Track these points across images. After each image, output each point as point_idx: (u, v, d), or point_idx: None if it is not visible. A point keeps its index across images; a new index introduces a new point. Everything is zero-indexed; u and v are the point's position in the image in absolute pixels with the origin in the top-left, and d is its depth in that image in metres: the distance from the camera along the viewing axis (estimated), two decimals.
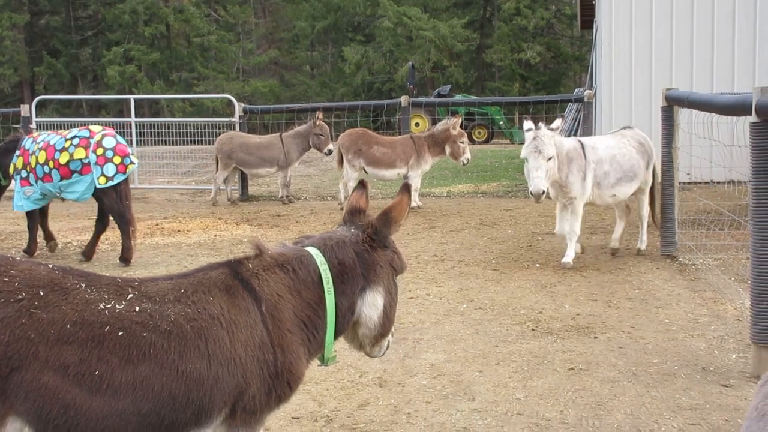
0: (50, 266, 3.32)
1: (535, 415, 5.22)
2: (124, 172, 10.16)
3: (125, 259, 10.21)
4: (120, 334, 3.14)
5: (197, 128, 19.39)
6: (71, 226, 13.23)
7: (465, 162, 14.29)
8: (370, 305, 3.72)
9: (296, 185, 17.60)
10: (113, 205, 10.19)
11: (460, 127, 14.36)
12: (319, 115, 15.57)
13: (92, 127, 10.35)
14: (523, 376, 5.97)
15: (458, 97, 31.07)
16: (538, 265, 9.74)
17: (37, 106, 18.61)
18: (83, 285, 3.25)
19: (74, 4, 49.79)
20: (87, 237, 11.95)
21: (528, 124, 9.11)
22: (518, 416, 5.23)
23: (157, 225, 13.08)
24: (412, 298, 8.30)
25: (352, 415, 5.33)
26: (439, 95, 31.72)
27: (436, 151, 14.30)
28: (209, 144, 18.44)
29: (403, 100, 16.96)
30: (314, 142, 15.38)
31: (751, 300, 6.03)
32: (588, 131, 16.83)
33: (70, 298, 3.18)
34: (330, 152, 15.27)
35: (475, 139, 30.26)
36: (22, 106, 18.25)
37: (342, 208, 14.40)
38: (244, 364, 3.35)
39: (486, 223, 12.67)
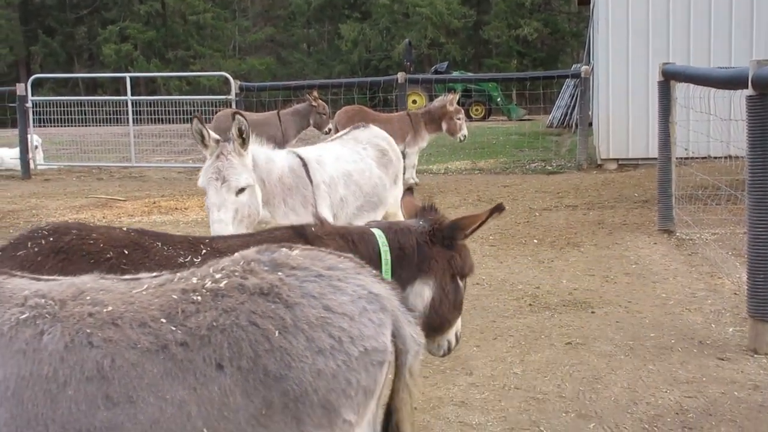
0: (125, 228, 3.59)
1: (533, 389, 5.24)
2: None
3: None
4: None
5: (194, 106, 19.34)
6: (68, 204, 13.22)
7: (462, 138, 14.28)
8: (416, 295, 3.77)
9: None
10: None
11: (457, 103, 14.32)
12: (315, 93, 15.52)
13: None
14: (521, 350, 5.99)
15: (455, 74, 30.98)
16: (535, 240, 9.75)
17: (33, 85, 18.55)
18: (159, 243, 3.47)
19: None
20: (83, 216, 11.97)
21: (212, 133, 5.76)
22: (516, 390, 5.25)
23: (154, 203, 13.07)
24: None
25: None
26: (436, 72, 31.64)
27: (432, 127, 14.28)
28: (206, 122, 18.34)
29: (400, 77, 16.91)
30: (316, 120, 15.30)
31: (747, 274, 6.04)
32: (585, 107, 16.81)
33: (151, 255, 3.39)
34: (330, 131, 15.23)
35: (473, 115, 30.24)
36: (17, 85, 18.20)
37: None
38: None
39: (483, 199, 12.67)
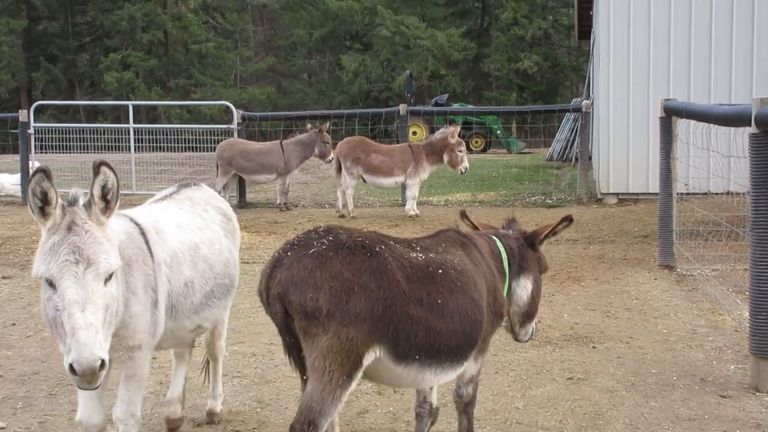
0: (363, 229, 4.22)
1: (534, 425, 5.22)
2: None
3: None
4: (440, 272, 4.08)
5: (195, 135, 19.37)
6: None
7: (463, 171, 14.28)
8: (522, 287, 4.71)
9: (294, 193, 17.59)
10: None
11: (458, 135, 14.35)
12: (309, 125, 15.70)
13: None
14: (522, 385, 5.97)
15: (456, 106, 31.09)
16: None
17: (35, 111, 18.60)
18: (391, 242, 4.14)
19: (72, 10, 49.82)
20: None
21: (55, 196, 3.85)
22: (517, 425, 5.23)
23: None
24: None
25: (351, 422, 5.33)
26: (437, 104, 31.75)
27: (434, 159, 14.31)
28: (207, 151, 18.43)
29: (402, 108, 16.98)
30: (321, 149, 15.43)
31: (749, 311, 6.04)
32: (585, 141, 16.85)
33: (394, 249, 4.06)
34: (332, 160, 15.27)
35: (473, 148, 30.31)
36: (20, 111, 18.23)
37: (340, 216, 14.42)
38: (484, 301, 4.27)
39: None
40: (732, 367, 6.32)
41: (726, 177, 9.36)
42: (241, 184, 16.76)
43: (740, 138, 7.13)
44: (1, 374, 6.31)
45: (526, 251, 4.77)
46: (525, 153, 29.51)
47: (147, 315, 4.27)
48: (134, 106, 20.07)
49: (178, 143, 19.43)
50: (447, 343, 4.03)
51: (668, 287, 9.01)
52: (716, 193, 10.58)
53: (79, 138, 19.25)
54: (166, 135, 19.44)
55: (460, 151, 14.11)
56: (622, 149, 15.21)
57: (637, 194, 15.20)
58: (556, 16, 47.46)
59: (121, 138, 19.06)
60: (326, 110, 35.43)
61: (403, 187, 14.89)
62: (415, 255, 4.09)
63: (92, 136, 19.64)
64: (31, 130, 17.76)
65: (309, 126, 15.77)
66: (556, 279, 9.44)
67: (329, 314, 3.71)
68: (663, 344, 6.92)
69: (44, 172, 3.75)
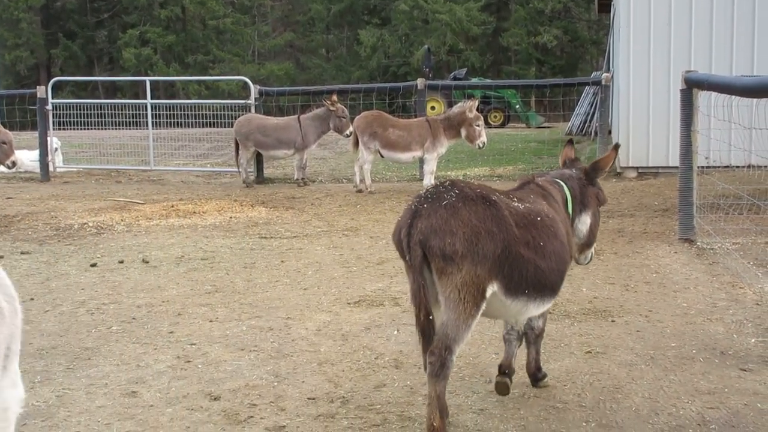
0: (474, 183, 4.69)
1: (552, 398, 5.19)
2: None
3: None
4: (538, 219, 4.65)
5: (212, 110, 19.38)
6: (87, 207, 13.25)
7: (481, 145, 14.18)
8: (583, 223, 5.35)
9: (312, 168, 17.56)
10: None
11: (476, 110, 14.24)
12: (333, 97, 15.48)
13: None
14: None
15: (474, 81, 30.91)
16: None
17: (53, 87, 18.63)
18: (498, 193, 4.64)
19: None
20: (102, 218, 11.99)
21: None
22: (535, 399, 5.20)
23: (172, 207, 13.07)
24: None
25: (368, 396, 5.31)
26: (455, 78, 31.59)
27: (451, 134, 14.22)
28: (225, 126, 18.43)
29: (419, 82, 16.88)
30: (336, 124, 15.32)
31: None
32: (605, 115, 16.71)
33: (501, 200, 4.56)
34: (350, 134, 15.20)
35: (491, 122, 30.20)
36: (38, 87, 18.26)
37: (358, 191, 14.39)
38: (566, 244, 4.86)
39: None
40: (753, 340, 6.26)
41: (747, 149, 9.24)
42: (259, 160, 16.75)
43: (762, 110, 7.03)
44: (20, 348, 6.33)
45: (587, 188, 5.37)
46: (544, 127, 29.39)
47: None
48: (152, 82, 20.05)
49: (196, 119, 19.45)
50: (548, 280, 4.66)
51: (688, 261, 8.93)
52: (737, 166, 10.45)
53: (98, 114, 19.28)
54: (184, 111, 19.44)
55: (478, 126, 14.01)
56: (642, 122, 15.06)
57: (657, 168, 15.07)
58: None
59: (139, 114, 19.08)
60: (344, 85, 35.30)
61: (421, 161, 14.84)
62: (516, 204, 4.65)
63: (110, 112, 19.69)
64: (49, 107, 17.81)
65: (325, 101, 15.68)
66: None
67: (463, 256, 4.29)
68: (683, 318, 6.86)
69: None
